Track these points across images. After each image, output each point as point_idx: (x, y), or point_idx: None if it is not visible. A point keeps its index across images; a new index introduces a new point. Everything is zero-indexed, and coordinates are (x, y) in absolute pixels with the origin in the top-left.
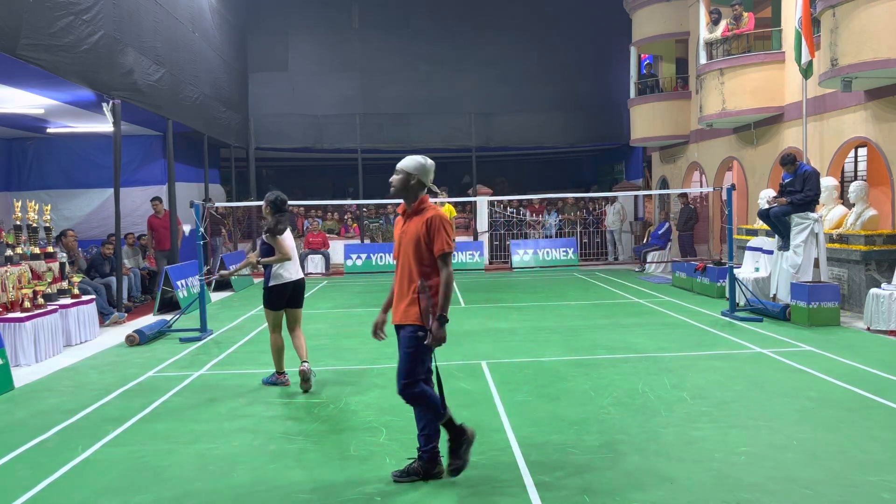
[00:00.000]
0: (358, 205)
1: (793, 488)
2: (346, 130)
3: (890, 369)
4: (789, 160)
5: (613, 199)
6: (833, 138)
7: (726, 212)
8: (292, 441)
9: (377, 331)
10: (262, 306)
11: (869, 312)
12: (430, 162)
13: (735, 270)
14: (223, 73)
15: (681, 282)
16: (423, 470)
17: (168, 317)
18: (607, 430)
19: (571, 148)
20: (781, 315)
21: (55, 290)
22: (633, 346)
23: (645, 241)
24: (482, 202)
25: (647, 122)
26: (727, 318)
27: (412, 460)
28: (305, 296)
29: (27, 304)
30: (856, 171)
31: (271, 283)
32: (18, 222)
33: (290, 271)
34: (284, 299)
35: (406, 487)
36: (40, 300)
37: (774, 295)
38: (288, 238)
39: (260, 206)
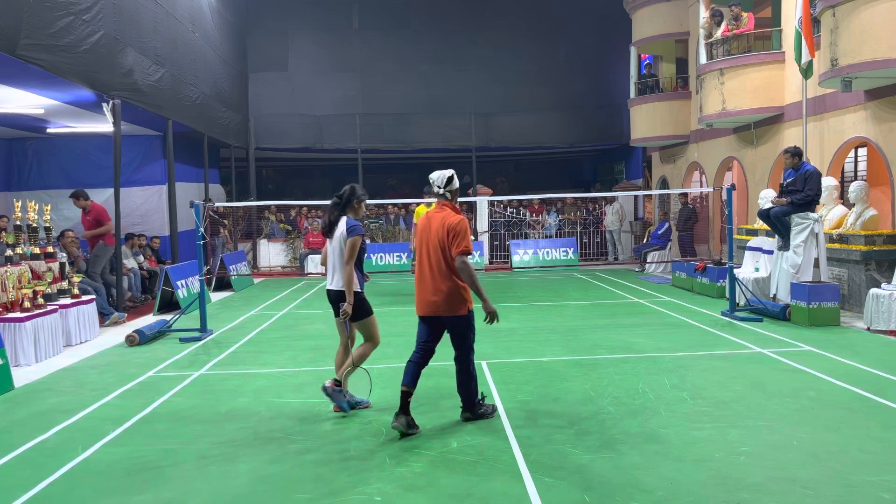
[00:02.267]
0: None
1: (793, 488)
2: (346, 130)
3: (890, 369)
4: (793, 151)
5: (612, 199)
6: (833, 138)
7: (726, 212)
8: (292, 441)
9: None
10: (263, 306)
11: (869, 312)
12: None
13: (735, 270)
14: (223, 73)
15: (681, 282)
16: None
17: (168, 317)
18: (607, 430)
19: (571, 148)
20: (781, 315)
21: (55, 290)
22: (633, 346)
23: (645, 241)
24: (482, 202)
25: (647, 122)
26: (727, 318)
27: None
28: (305, 296)
29: (27, 304)
30: (856, 171)
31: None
32: (18, 222)
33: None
34: (334, 306)
35: (406, 487)
36: (40, 300)
37: (774, 295)
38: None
39: (259, 207)
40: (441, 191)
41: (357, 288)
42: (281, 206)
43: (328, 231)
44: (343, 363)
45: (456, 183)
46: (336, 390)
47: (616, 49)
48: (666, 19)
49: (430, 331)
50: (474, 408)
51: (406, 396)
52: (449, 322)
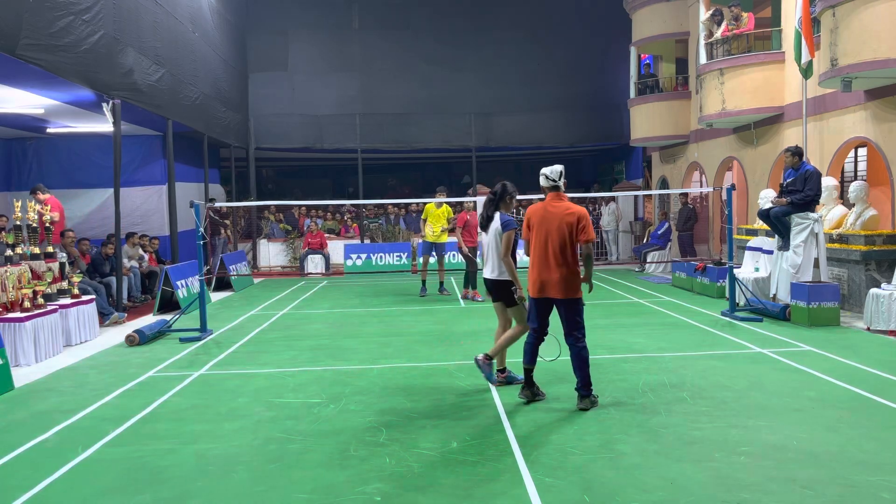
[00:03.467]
0: (354, 205)
1: (793, 488)
2: (346, 130)
3: (890, 369)
4: (794, 151)
5: (608, 200)
6: (833, 138)
7: (726, 212)
8: (292, 441)
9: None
10: (263, 306)
11: (869, 312)
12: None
13: (735, 270)
14: (223, 73)
15: (681, 282)
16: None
17: (168, 317)
18: (607, 430)
19: (571, 148)
20: (781, 315)
21: (55, 290)
22: (633, 346)
23: (645, 241)
24: (482, 202)
25: (647, 122)
26: (727, 318)
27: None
28: (305, 296)
29: (27, 304)
30: (856, 171)
31: None
32: (18, 222)
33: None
34: (491, 293)
35: (406, 487)
36: (40, 300)
37: (774, 295)
38: (487, 234)
39: (259, 206)
40: (556, 182)
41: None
42: (281, 206)
43: (485, 225)
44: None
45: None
46: (486, 363)
47: (616, 49)
48: (666, 19)
49: (542, 312)
50: (588, 389)
51: (529, 373)
52: (563, 304)
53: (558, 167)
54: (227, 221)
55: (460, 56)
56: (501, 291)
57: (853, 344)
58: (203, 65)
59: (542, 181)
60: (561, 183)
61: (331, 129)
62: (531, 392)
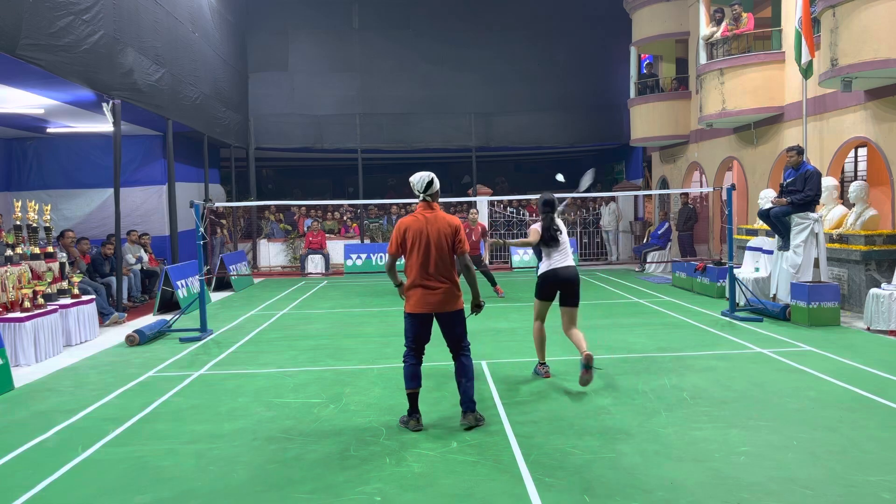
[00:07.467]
0: (351, 205)
1: (793, 488)
2: (346, 130)
3: (890, 369)
4: (797, 150)
5: (608, 200)
6: (833, 138)
7: (726, 212)
8: (292, 441)
9: None
10: (263, 306)
11: (869, 312)
12: (415, 176)
13: (735, 270)
14: (223, 73)
15: (681, 282)
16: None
17: (168, 317)
18: (607, 430)
19: (571, 148)
20: (781, 315)
21: (55, 290)
22: (633, 346)
23: (645, 241)
24: (482, 202)
25: (647, 122)
26: (727, 318)
27: None
28: (305, 296)
29: (27, 304)
30: (856, 171)
31: (538, 272)
32: (18, 222)
33: (550, 261)
34: (548, 291)
35: (406, 487)
36: (40, 300)
37: (774, 295)
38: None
39: (259, 206)
40: (422, 195)
41: None
42: (281, 206)
43: (557, 238)
44: (543, 340)
45: (436, 186)
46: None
47: (616, 49)
48: (666, 19)
49: (425, 330)
50: (474, 403)
51: (415, 398)
52: (451, 316)
53: (427, 176)
54: (224, 221)
55: (460, 56)
56: (577, 285)
57: (853, 344)
58: (203, 65)
59: (413, 190)
60: (427, 195)
61: (331, 129)
62: (416, 420)
